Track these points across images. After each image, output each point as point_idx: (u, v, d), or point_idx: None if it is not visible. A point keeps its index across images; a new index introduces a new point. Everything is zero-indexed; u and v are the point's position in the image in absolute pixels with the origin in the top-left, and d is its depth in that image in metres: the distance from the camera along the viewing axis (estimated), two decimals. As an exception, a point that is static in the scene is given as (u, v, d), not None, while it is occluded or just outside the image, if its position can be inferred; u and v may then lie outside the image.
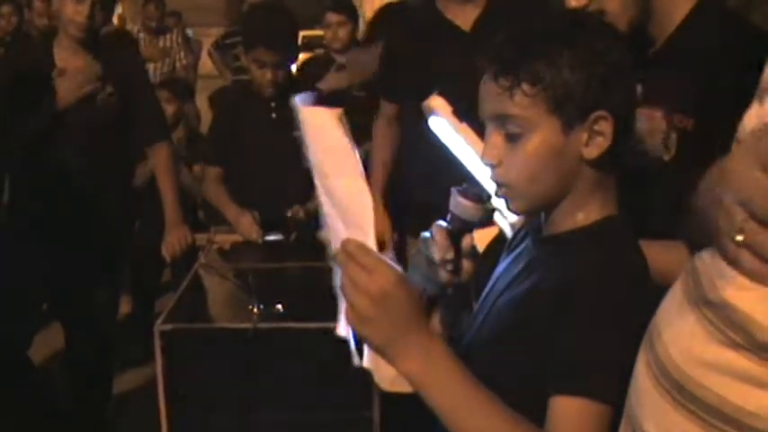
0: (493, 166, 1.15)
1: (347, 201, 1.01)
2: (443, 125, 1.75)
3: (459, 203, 1.21)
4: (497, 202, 1.22)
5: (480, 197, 1.22)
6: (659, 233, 1.43)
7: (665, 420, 0.78)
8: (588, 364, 1.04)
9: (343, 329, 1.09)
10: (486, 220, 1.25)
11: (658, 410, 0.79)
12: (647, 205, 1.48)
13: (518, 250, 1.28)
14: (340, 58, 4.18)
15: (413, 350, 0.99)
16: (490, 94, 1.13)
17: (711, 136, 1.37)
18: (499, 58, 1.12)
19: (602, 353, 1.04)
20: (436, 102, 1.79)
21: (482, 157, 1.16)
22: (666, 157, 1.44)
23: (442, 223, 1.24)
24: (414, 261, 1.25)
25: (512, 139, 1.12)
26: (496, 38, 1.16)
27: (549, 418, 1.04)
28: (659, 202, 1.46)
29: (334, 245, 1.04)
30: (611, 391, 1.02)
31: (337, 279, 1.07)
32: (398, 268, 0.99)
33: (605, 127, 1.11)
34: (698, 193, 0.84)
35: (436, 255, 1.20)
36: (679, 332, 0.80)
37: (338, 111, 1.00)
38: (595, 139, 1.11)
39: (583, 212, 1.16)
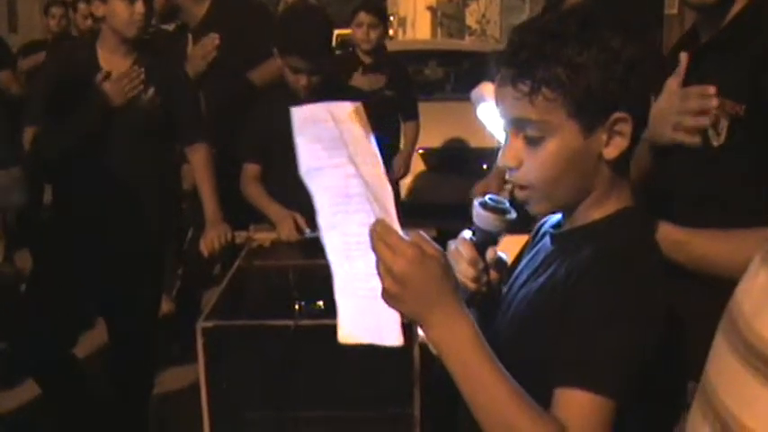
0: (513, 169, 1.16)
1: (373, 187, 1.05)
2: (493, 111, 1.78)
3: (482, 215, 1.24)
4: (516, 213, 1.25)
5: (501, 208, 1.24)
6: (707, 220, 1.41)
7: (750, 394, 0.76)
8: (593, 357, 1.05)
9: (345, 336, 1.14)
10: (510, 230, 1.27)
11: (743, 385, 0.77)
12: (696, 192, 1.47)
13: (538, 246, 1.30)
14: (366, 59, 4.18)
15: (436, 322, 1.04)
16: (508, 99, 1.13)
17: (764, 123, 1.35)
18: (516, 61, 1.12)
19: (608, 345, 1.05)
20: (487, 88, 1.83)
21: (501, 160, 1.17)
22: (716, 144, 1.42)
23: (467, 234, 1.27)
24: None
25: (532, 142, 1.13)
26: (511, 39, 1.16)
27: (552, 409, 1.04)
28: (709, 188, 1.45)
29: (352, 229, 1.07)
30: (615, 384, 1.04)
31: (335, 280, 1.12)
32: (421, 246, 1.02)
33: (624, 128, 1.11)
34: None
35: (464, 268, 1.24)
36: None
37: (351, 105, 1.04)
38: (615, 140, 1.12)
39: (600, 208, 1.17)
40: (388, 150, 4.29)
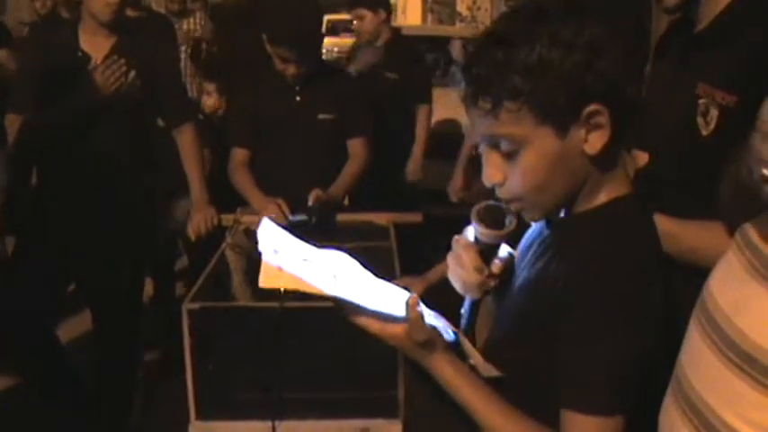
0: (498, 185, 1.13)
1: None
2: None
3: (480, 232, 1.22)
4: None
5: (500, 220, 1.21)
6: (694, 209, 1.41)
7: (731, 391, 0.77)
8: (590, 378, 1.04)
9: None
10: (514, 237, 1.25)
11: (723, 382, 0.78)
12: (683, 181, 1.47)
13: (533, 230, 1.27)
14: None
15: (429, 367, 1.16)
16: (474, 117, 1.09)
17: (754, 114, 1.35)
18: (472, 78, 1.07)
19: (606, 360, 1.04)
20: None
21: (485, 178, 1.14)
22: (705, 133, 1.42)
23: (470, 234, 1.24)
24: (451, 272, 1.28)
25: (509, 156, 1.10)
26: (466, 51, 1.13)
27: (560, 430, 1.06)
28: (697, 177, 1.45)
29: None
30: (616, 402, 1.04)
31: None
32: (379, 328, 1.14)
33: (601, 119, 1.06)
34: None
35: (469, 275, 1.24)
36: (751, 307, 0.78)
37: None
38: (594, 134, 1.07)
39: (597, 196, 1.14)
40: (398, 137, 4.24)
